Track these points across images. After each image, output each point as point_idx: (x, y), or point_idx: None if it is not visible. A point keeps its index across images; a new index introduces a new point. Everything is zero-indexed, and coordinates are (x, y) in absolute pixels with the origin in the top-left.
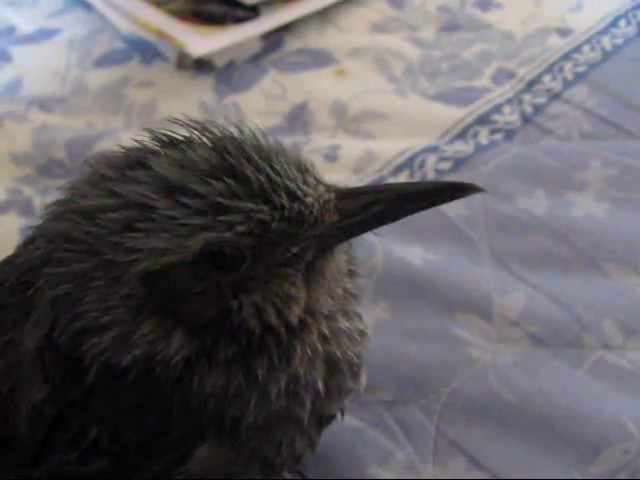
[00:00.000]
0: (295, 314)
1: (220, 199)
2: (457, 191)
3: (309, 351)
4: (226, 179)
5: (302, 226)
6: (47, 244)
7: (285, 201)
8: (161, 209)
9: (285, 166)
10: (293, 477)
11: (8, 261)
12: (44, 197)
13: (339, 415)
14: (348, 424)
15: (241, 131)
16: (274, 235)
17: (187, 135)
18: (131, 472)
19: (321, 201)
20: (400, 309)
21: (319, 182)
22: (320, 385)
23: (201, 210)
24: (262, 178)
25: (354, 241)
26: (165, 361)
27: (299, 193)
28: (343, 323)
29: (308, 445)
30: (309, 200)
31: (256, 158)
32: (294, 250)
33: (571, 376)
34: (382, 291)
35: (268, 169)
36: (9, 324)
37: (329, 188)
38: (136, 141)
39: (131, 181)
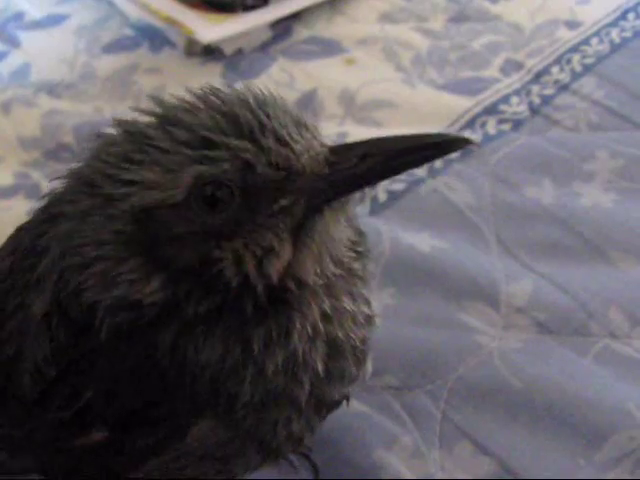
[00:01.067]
0: (275, 269)
1: (206, 133)
2: (455, 143)
3: (309, 328)
4: (216, 115)
5: (290, 175)
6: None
7: (272, 144)
8: (155, 139)
9: (280, 114)
10: (302, 463)
11: (23, 227)
12: (52, 181)
13: (344, 402)
14: (354, 408)
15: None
16: (261, 179)
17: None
18: (127, 442)
19: (311, 152)
20: (407, 295)
21: (315, 137)
22: (319, 366)
23: (190, 143)
24: (251, 118)
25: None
26: (140, 304)
27: (287, 139)
28: (347, 304)
29: (306, 428)
30: (298, 147)
31: (251, 101)
32: (283, 202)
33: (577, 364)
34: (389, 277)
35: (260, 112)
36: (20, 288)
37: (323, 143)
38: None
39: (134, 117)
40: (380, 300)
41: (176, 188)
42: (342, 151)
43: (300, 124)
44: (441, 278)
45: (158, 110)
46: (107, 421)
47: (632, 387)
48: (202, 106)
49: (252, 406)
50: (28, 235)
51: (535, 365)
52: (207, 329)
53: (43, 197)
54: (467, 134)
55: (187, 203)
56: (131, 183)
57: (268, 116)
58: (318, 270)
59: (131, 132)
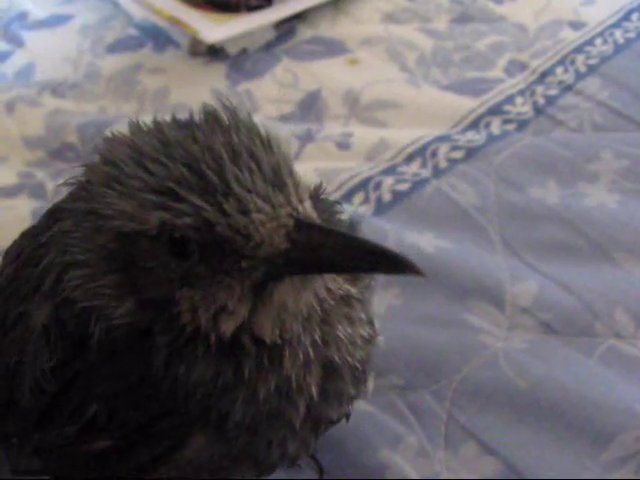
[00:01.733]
0: (228, 327)
1: (172, 184)
2: (399, 267)
3: (301, 355)
4: (183, 168)
5: (249, 242)
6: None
7: (233, 209)
8: (129, 176)
9: (254, 170)
10: (307, 462)
11: (25, 233)
12: (56, 180)
13: (344, 420)
14: (360, 409)
15: (238, 119)
16: (220, 240)
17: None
18: (131, 454)
19: (274, 223)
20: (412, 295)
21: (289, 203)
22: (314, 390)
23: (157, 189)
24: (217, 178)
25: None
26: (108, 321)
27: (250, 206)
28: (343, 330)
29: (302, 447)
30: (258, 217)
31: (223, 153)
32: (242, 264)
33: (583, 364)
34: (394, 277)
35: (230, 169)
36: (21, 297)
37: (293, 213)
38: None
39: (125, 143)
40: (385, 300)
41: (148, 224)
42: (306, 231)
43: (277, 182)
44: (446, 278)
45: (132, 141)
46: (112, 434)
47: (637, 387)
48: (175, 150)
49: (244, 426)
50: (29, 243)
51: (540, 365)
52: (199, 350)
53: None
54: (471, 134)
55: (157, 239)
56: (111, 208)
57: (236, 177)
58: (277, 330)
59: (110, 160)
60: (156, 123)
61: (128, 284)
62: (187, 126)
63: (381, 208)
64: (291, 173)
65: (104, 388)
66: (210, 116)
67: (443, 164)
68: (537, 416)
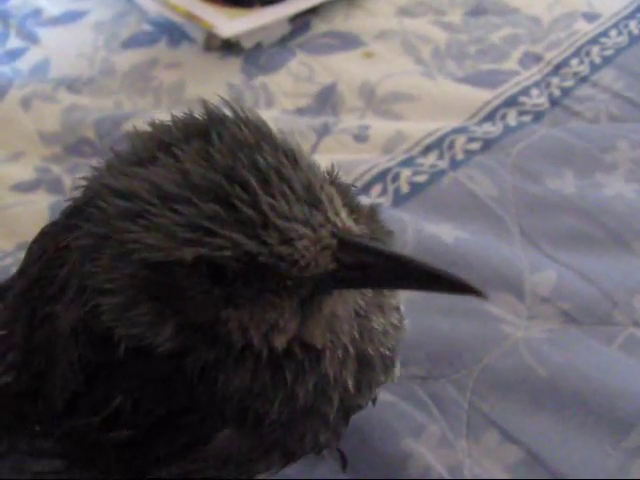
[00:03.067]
0: (281, 342)
1: (206, 223)
2: (456, 288)
3: (339, 353)
4: (212, 205)
5: (295, 265)
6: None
7: (274, 241)
8: (154, 213)
9: (288, 194)
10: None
11: (46, 232)
12: (73, 175)
13: (371, 403)
14: (382, 398)
15: (269, 137)
16: (263, 266)
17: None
18: (152, 445)
19: (318, 246)
20: None
21: (328, 221)
22: (350, 384)
23: (188, 226)
24: (250, 211)
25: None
26: (153, 347)
27: (292, 234)
28: (377, 320)
29: (333, 437)
30: (301, 244)
31: (251, 181)
32: (288, 283)
33: (603, 352)
34: None
35: (262, 200)
36: (47, 298)
37: (334, 231)
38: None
39: (136, 175)
40: (405, 292)
41: (180, 256)
42: (352, 250)
43: (310, 203)
44: (465, 268)
45: (149, 176)
46: (134, 425)
47: None
48: (199, 184)
49: (280, 423)
50: (51, 244)
51: (561, 354)
52: (236, 360)
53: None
54: (487, 126)
55: (193, 269)
56: (136, 241)
57: (272, 207)
58: (328, 335)
59: (126, 195)
60: (162, 143)
61: (166, 310)
62: (202, 139)
63: (399, 200)
64: (322, 187)
65: (130, 382)
66: (226, 131)
67: (460, 155)
68: (558, 404)
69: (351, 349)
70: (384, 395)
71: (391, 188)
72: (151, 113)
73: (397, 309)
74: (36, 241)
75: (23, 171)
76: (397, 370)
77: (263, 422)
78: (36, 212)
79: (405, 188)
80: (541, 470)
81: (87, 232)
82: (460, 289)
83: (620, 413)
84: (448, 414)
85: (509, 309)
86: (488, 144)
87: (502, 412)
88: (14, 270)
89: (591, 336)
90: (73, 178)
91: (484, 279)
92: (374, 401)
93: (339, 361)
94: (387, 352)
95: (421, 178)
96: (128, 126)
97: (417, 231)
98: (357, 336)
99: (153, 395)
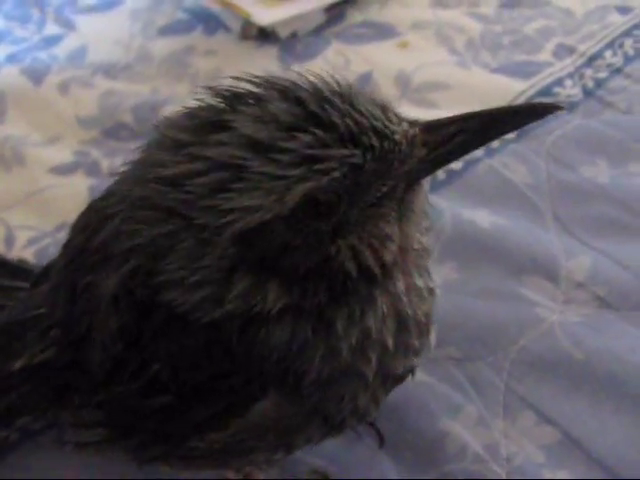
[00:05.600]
0: (391, 253)
1: (310, 151)
2: (537, 113)
3: (384, 307)
4: (313, 129)
5: (392, 163)
6: (122, 202)
7: (375, 141)
8: (253, 167)
9: (368, 106)
10: (367, 430)
11: (92, 205)
12: (111, 159)
13: (410, 375)
14: (418, 379)
15: (313, 79)
16: (367, 176)
17: (252, 90)
18: (190, 411)
19: (408, 137)
20: (468, 269)
21: (400, 118)
22: (390, 342)
23: (295, 162)
24: (349, 122)
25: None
26: (262, 313)
27: (387, 132)
28: (417, 280)
29: (372, 402)
30: (397, 137)
31: (338, 102)
32: (385, 189)
33: (638, 337)
34: (451, 252)
35: (352, 112)
36: (88, 267)
37: (412, 123)
38: (198, 100)
39: (216, 143)
40: (442, 274)
41: (281, 206)
42: (433, 129)
43: (385, 109)
44: (501, 253)
45: (245, 132)
46: (173, 391)
47: None
48: (290, 119)
49: (319, 383)
50: (96, 216)
51: (596, 337)
52: (277, 315)
53: (111, 175)
54: None
55: (294, 215)
56: (231, 211)
57: (360, 112)
58: (419, 239)
59: (222, 162)
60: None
61: (264, 274)
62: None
63: (436, 186)
64: (382, 99)
65: (168, 347)
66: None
67: (495, 143)
68: (594, 386)
69: (392, 304)
70: (421, 376)
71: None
72: (188, 99)
73: (429, 274)
74: (83, 214)
75: (61, 154)
76: (432, 339)
77: (303, 382)
78: (75, 194)
79: (441, 175)
80: (577, 451)
81: (140, 235)
82: (542, 112)
83: None
84: (485, 395)
85: (544, 293)
86: (523, 133)
87: (538, 394)
88: (53, 250)
89: (626, 321)
90: (110, 162)
91: (519, 264)
92: (413, 373)
93: (382, 316)
94: (422, 318)
95: (457, 165)
96: (165, 111)
97: (454, 216)
98: (400, 291)
99: (191, 361)
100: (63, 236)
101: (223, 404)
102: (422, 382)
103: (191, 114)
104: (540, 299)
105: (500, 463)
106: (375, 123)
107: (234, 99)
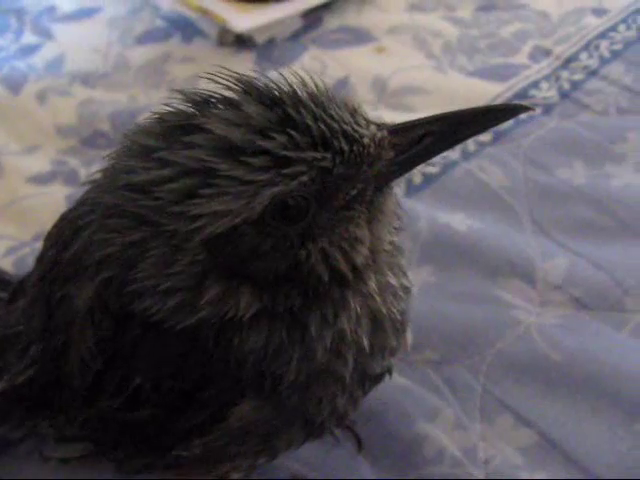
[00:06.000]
0: (362, 255)
1: (284, 152)
2: (506, 113)
3: (358, 307)
4: (288, 130)
5: (361, 167)
6: (94, 211)
7: (345, 145)
8: (223, 171)
9: (339, 110)
10: (345, 434)
11: (64, 217)
12: (89, 167)
13: (387, 375)
14: (396, 382)
15: (287, 80)
16: (335, 180)
17: (224, 94)
18: (173, 421)
19: (376, 140)
20: (445, 273)
21: (369, 122)
22: (365, 342)
23: (264, 166)
24: (322, 126)
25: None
26: (236, 319)
27: (356, 135)
28: (391, 278)
29: (350, 403)
30: (366, 141)
31: (312, 106)
32: (354, 192)
33: (614, 338)
34: (427, 255)
35: (324, 115)
36: (62, 280)
37: (380, 126)
38: (166, 105)
39: (187, 147)
40: (419, 278)
41: (249, 211)
42: (401, 132)
43: (352, 111)
44: (478, 256)
45: (218, 134)
46: (155, 403)
47: None
48: (264, 122)
49: (297, 386)
50: (68, 227)
51: (573, 339)
52: (251, 319)
53: (84, 184)
54: None
55: (262, 220)
56: (200, 217)
57: (331, 116)
58: (389, 241)
59: (191, 168)
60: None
61: (235, 279)
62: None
63: (412, 190)
64: (352, 102)
65: (147, 360)
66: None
67: (472, 147)
68: (571, 388)
69: (366, 304)
70: (399, 379)
71: (403, 179)
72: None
73: (405, 274)
74: (55, 226)
75: (39, 163)
76: (409, 338)
77: (281, 385)
78: (52, 203)
79: (418, 179)
80: (555, 452)
81: (110, 244)
82: (511, 113)
83: (631, 396)
84: (462, 398)
85: (521, 296)
86: (499, 136)
87: (515, 396)
88: (31, 260)
89: (602, 322)
90: (88, 171)
91: (496, 267)
92: (390, 373)
93: (355, 317)
94: (398, 316)
95: (433, 169)
96: (143, 119)
97: (430, 220)
98: (373, 291)
99: (170, 370)
100: (41, 246)
101: (206, 411)
102: (400, 386)
103: (160, 119)
104: (517, 301)
105: (478, 466)
106: (345, 127)
107: (204, 104)
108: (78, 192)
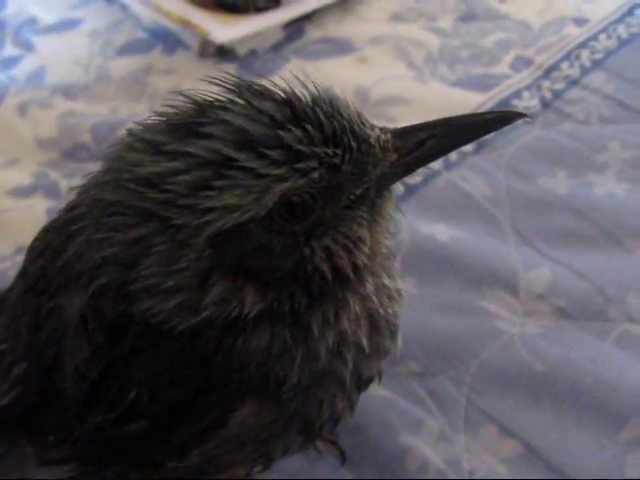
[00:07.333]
0: (364, 255)
1: (300, 146)
2: (505, 119)
3: (357, 308)
4: (304, 125)
5: (367, 167)
6: (91, 211)
7: (354, 143)
8: (241, 162)
9: (347, 110)
10: (328, 448)
11: (48, 228)
12: (70, 180)
13: (377, 378)
14: (380, 394)
15: (292, 85)
16: (342, 178)
17: (229, 97)
18: (172, 432)
19: (381, 141)
20: (428, 284)
21: (372, 124)
22: (365, 343)
23: (280, 160)
24: (334, 122)
25: None
26: (239, 319)
27: (365, 135)
28: (386, 280)
29: (348, 405)
30: (372, 141)
31: (322, 103)
32: (358, 192)
33: (598, 347)
34: (410, 267)
35: (336, 114)
36: (52, 291)
37: (383, 129)
38: (171, 107)
39: (203, 138)
40: (402, 289)
41: (259, 207)
42: (404, 135)
43: (359, 114)
44: (461, 267)
45: (237, 125)
46: (152, 414)
47: None
48: (281, 116)
49: (299, 388)
50: (57, 236)
51: (556, 349)
52: (254, 320)
53: (70, 191)
54: None
55: (270, 217)
56: (210, 211)
57: (342, 115)
58: (387, 244)
59: (205, 159)
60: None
61: (241, 277)
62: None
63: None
64: (356, 107)
65: (145, 368)
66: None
67: (454, 157)
68: (555, 398)
69: (366, 304)
70: (382, 392)
71: None
72: (148, 115)
73: (396, 276)
74: (38, 239)
75: (20, 176)
76: (399, 340)
77: (284, 387)
78: (33, 216)
79: (400, 189)
80: (539, 463)
81: (111, 243)
82: (510, 119)
83: (615, 406)
84: (446, 410)
85: (504, 306)
86: (481, 145)
87: (499, 407)
88: (12, 274)
89: (586, 331)
90: (69, 183)
91: (479, 277)
92: (380, 376)
93: (355, 317)
94: (392, 318)
95: (416, 179)
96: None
97: (413, 231)
98: (371, 292)
99: (169, 378)
100: (22, 259)
101: (206, 419)
102: (383, 398)
103: (167, 118)
104: (500, 312)
105: (462, 477)
106: (354, 126)
107: (209, 106)
108: (59, 205)
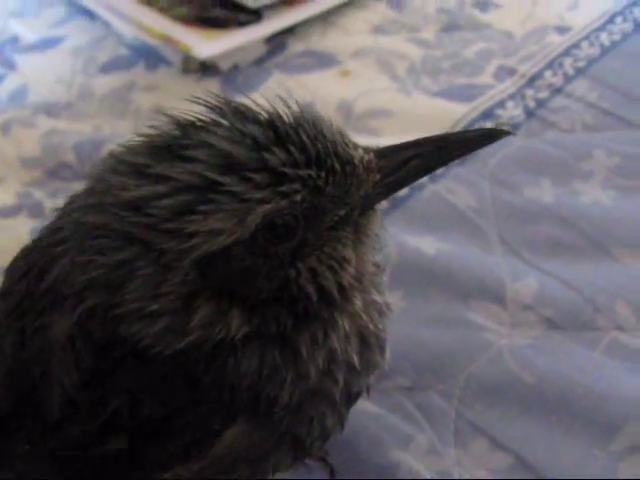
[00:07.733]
0: (349, 275)
1: (283, 169)
2: (489, 137)
3: (347, 326)
4: (288, 146)
5: (350, 188)
6: (75, 234)
7: (337, 165)
8: (226, 186)
9: (330, 131)
10: (317, 464)
11: (31, 248)
12: (54, 199)
13: (365, 393)
14: (368, 410)
15: (275, 105)
16: (326, 200)
17: (213, 117)
18: (148, 451)
19: (364, 162)
20: (415, 297)
21: (356, 145)
22: (356, 360)
23: (263, 183)
24: (317, 144)
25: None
26: (227, 341)
27: (348, 156)
28: (375, 296)
29: (338, 422)
30: (356, 162)
31: (306, 125)
32: (341, 213)
33: (587, 357)
34: (397, 280)
35: (319, 135)
36: (38, 312)
37: (366, 149)
38: (154, 127)
39: (186, 162)
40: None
41: (242, 230)
42: (387, 154)
43: (342, 135)
44: (448, 279)
45: (221, 149)
46: (129, 430)
47: None
48: (264, 139)
49: (290, 408)
50: (41, 257)
51: (545, 360)
52: (243, 342)
53: (55, 210)
54: None
55: (254, 239)
56: (194, 234)
57: (325, 137)
58: (372, 263)
59: (189, 183)
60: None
61: (226, 300)
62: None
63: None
64: (339, 127)
65: (127, 381)
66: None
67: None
68: (545, 409)
69: (354, 323)
70: (371, 407)
71: None
72: (130, 136)
73: (384, 290)
74: (20, 258)
75: (4, 196)
76: (388, 353)
77: (275, 407)
78: (17, 237)
79: (385, 202)
80: (530, 475)
81: (95, 266)
82: (494, 137)
83: (606, 416)
84: (435, 424)
85: (492, 317)
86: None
87: (489, 419)
88: None
89: (575, 341)
90: (53, 203)
91: (466, 289)
92: (368, 391)
93: (345, 335)
94: (382, 333)
95: (401, 192)
96: (108, 149)
97: (399, 244)
98: (359, 310)
99: (151, 395)
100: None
101: (186, 438)
102: (372, 413)
103: (149, 140)
104: (488, 323)
105: None
106: (337, 147)
107: (191, 126)
108: (43, 224)
